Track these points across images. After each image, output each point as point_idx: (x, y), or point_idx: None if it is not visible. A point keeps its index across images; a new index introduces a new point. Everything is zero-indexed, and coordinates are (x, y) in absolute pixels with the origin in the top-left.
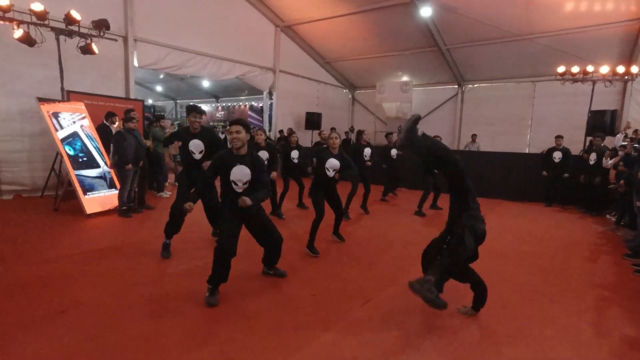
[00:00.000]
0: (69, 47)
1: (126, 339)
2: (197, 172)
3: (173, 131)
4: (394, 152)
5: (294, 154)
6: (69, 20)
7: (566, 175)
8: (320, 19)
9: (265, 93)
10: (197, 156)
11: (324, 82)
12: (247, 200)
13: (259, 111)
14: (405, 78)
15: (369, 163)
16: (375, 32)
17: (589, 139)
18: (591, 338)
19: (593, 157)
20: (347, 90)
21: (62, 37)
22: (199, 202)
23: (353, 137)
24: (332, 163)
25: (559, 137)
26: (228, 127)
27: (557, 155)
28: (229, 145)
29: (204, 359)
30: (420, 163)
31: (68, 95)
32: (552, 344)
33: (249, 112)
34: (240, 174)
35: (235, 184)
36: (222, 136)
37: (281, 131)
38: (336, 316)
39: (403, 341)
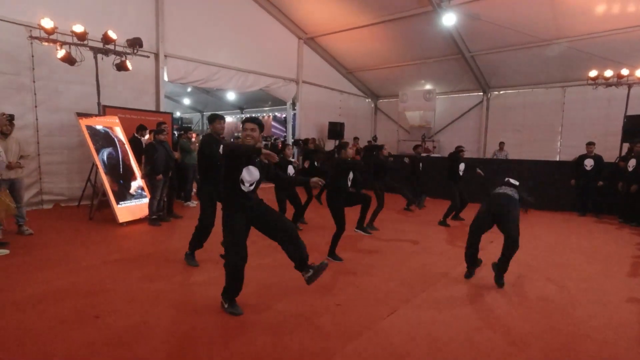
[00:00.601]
0: (105, 64)
1: (156, 345)
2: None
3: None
4: (420, 165)
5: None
6: (106, 39)
7: (600, 183)
8: (342, 30)
9: (288, 104)
10: None
11: (346, 92)
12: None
13: (283, 122)
14: (428, 86)
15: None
16: (398, 42)
17: (625, 145)
18: (630, 355)
19: (632, 163)
20: (369, 100)
21: (99, 56)
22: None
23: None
24: (351, 176)
25: (590, 144)
26: (242, 125)
27: (589, 163)
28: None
29: None
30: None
31: (104, 110)
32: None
33: (273, 123)
34: (250, 174)
35: (243, 183)
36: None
37: (305, 140)
38: (362, 326)
39: (432, 352)
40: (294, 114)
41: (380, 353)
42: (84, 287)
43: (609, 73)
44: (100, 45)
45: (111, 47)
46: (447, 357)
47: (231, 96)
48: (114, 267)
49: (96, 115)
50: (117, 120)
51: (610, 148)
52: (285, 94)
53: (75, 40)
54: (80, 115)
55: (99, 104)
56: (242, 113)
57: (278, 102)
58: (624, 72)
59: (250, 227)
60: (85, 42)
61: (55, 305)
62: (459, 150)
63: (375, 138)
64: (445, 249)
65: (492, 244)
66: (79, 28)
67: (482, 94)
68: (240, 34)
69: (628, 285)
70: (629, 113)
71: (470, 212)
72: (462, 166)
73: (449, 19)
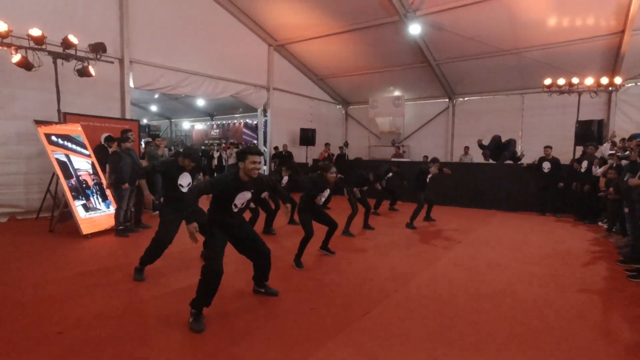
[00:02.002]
0: (66, 70)
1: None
2: (182, 205)
3: (162, 161)
4: (390, 174)
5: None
6: (66, 44)
7: (561, 184)
8: (312, 38)
9: (259, 110)
10: (185, 189)
11: (317, 99)
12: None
13: (254, 128)
14: (397, 93)
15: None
16: (367, 49)
17: (578, 148)
18: (588, 343)
19: (584, 164)
20: (340, 106)
21: (59, 61)
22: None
23: (347, 151)
24: (327, 193)
25: (547, 148)
26: (249, 156)
27: (547, 166)
28: (224, 164)
29: None
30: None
31: (64, 117)
32: (548, 350)
33: (244, 130)
34: (244, 197)
35: (236, 206)
36: (217, 154)
37: (276, 148)
38: (336, 328)
39: (404, 351)
40: (265, 121)
41: (354, 354)
42: (45, 302)
43: (561, 81)
44: (60, 50)
45: (72, 52)
46: (417, 355)
47: (201, 103)
48: (77, 281)
49: (56, 123)
50: (80, 128)
51: (566, 151)
52: (256, 100)
53: (32, 44)
54: (39, 122)
55: (59, 111)
56: (212, 120)
57: (249, 109)
58: (575, 80)
59: (227, 242)
60: (44, 46)
61: (13, 322)
62: (427, 163)
63: (346, 144)
64: (416, 250)
65: (460, 244)
66: (35, 32)
67: (448, 100)
68: (209, 40)
69: (582, 276)
70: (580, 119)
71: (438, 213)
72: (429, 176)
73: (414, 29)
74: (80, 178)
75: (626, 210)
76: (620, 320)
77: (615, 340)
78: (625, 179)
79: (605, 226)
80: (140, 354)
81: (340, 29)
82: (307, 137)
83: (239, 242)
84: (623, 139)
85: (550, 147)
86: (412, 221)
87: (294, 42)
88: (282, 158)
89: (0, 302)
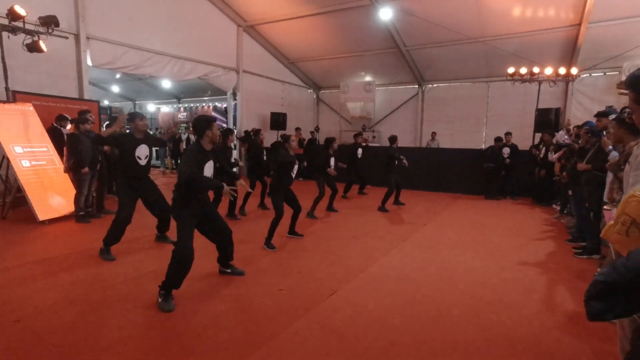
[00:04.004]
0: (14, 45)
1: (83, 346)
2: (139, 181)
3: (118, 134)
4: (359, 151)
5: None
6: (12, 15)
7: (489, 168)
8: (283, 20)
9: (229, 94)
10: (143, 162)
11: (288, 83)
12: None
13: (223, 112)
14: (368, 78)
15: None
16: (338, 33)
17: (537, 135)
18: (536, 313)
19: (543, 151)
20: (311, 90)
21: (5, 34)
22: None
23: (318, 136)
24: (296, 167)
25: (507, 134)
26: (214, 124)
27: (506, 151)
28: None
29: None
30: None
31: (14, 96)
32: (500, 320)
33: (213, 113)
34: (211, 168)
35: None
36: (185, 137)
37: (246, 131)
38: (304, 308)
39: (368, 326)
40: (235, 104)
41: (320, 332)
42: (2, 290)
43: (523, 70)
44: (6, 21)
45: (20, 24)
46: (383, 331)
47: (167, 84)
48: (34, 269)
49: (4, 102)
50: (32, 108)
51: (526, 138)
52: (225, 83)
53: None
54: None
55: (7, 89)
56: (179, 103)
57: (218, 92)
58: (535, 70)
59: (195, 223)
60: None
61: None
62: (392, 147)
63: (317, 128)
64: (383, 232)
65: (425, 226)
66: None
67: (417, 86)
68: (174, 17)
69: (534, 253)
70: (540, 107)
71: (406, 196)
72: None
73: (385, 14)
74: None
75: (570, 193)
76: (565, 293)
77: (559, 311)
78: (573, 164)
79: (559, 208)
80: (105, 337)
81: (311, 11)
82: (277, 122)
83: (204, 222)
84: (576, 127)
85: (511, 134)
86: (383, 204)
87: (264, 23)
88: (251, 141)
89: None
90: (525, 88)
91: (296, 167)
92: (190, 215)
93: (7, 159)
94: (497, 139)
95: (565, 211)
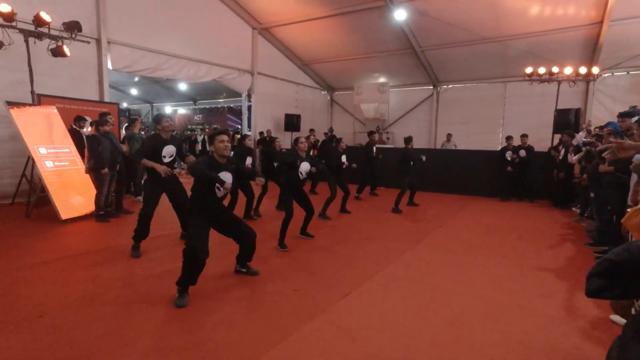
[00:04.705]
0: (39, 50)
1: (104, 342)
2: (163, 179)
3: (145, 138)
4: (374, 150)
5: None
6: (38, 22)
7: (509, 169)
8: (297, 22)
9: (243, 95)
10: (167, 160)
11: (302, 84)
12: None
13: (238, 113)
14: (382, 79)
15: (345, 164)
16: (352, 35)
17: (556, 136)
18: (555, 319)
19: (562, 152)
20: (325, 92)
21: (31, 39)
22: (167, 203)
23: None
24: (305, 167)
25: (524, 136)
26: (216, 137)
27: (522, 153)
28: (207, 148)
29: (185, 357)
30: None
31: (39, 99)
32: (518, 324)
33: (228, 115)
34: (227, 179)
35: (219, 189)
36: (200, 138)
37: (261, 133)
38: (317, 309)
39: (382, 329)
40: (250, 106)
41: (334, 332)
42: (26, 286)
43: (542, 70)
44: (32, 27)
45: (45, 30)
46: (397, 334)
47: (183, 87)
48: (57, 266)
49: (30, 105)
50: (55, 111)
51: (544, 139)
52: (239, 85)
53: (2, 21)
54: (11, 104)
55: (32, 92)
56: (195, 104)
57: (233, 94)
58: (555, 69)
59: (210, 227)
60: (14, 23)
61: None
62: (408, 141)
63: (331, 130)
64: (397, 234)
65: (440, 228)
66: (5, 7)
67: (432, 87)
68: (191, 21)
69: (552, 257)
70: (559, 107)
71: (420, 198)
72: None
73: (400, 14)
74: None
75: (592, 195)
76: (585, 298)
77: (579, 316)
78: (594, 166)
79: (578, 211)
80: (124, 333)
81: (325, 13)
82: (291, 123)
83: (223, 227)
84: (598, 127)
85: (527, 136)
86: (396, 205)
87: (278, 26)
88: (265, 143)
89: None
90: (543, 88)
91: (305, 165)
92: (202, 220)
93: (32, 159)
94: (508, 138)
95: (585, 214)
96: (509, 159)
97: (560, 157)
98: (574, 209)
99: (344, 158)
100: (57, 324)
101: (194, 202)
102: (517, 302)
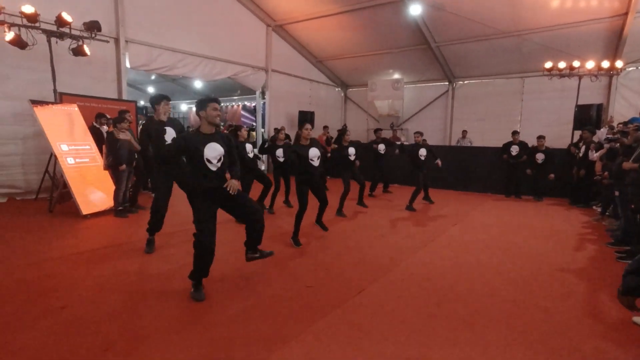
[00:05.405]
0: (60, 49)
1: (125, 333)
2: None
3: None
4: (381, 147)
5: (279, 152)
6: (60, 22)
7: (551, 176)
8: (311, 18)
9: (257, 93)
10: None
11: (316, 81)
12: (236, 185)
13: (252, 111)
14: (396, 76)
15: (357, 162)
16: (366, 31)
17: (576, 133)
18: (575, 320)
19: (582, 150)
20: (339, 89)
21: (53, 39)
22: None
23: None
24: (314, 152)
25: (540, 138)
26: (208, 104)
27: (540, 157)
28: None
29: (195, 353)
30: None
31: (60, 97)
32: (535, 325)
33: (242, 112)
34: (216, 150)
35: (210, 162)
36: None
37: (276, 129)
38: (330, 305)
39: (395, 325)
40: (264, 103)
41: (347, 330)
42: (48, 279)
43: (562, 65)
44: (54, 28)
45: (66, 30)
46: (411, 331)
47: (198, 84)
48: (79, 259)
49: (52, 103)
50: (76, 109)
51: (563, 136)
52: (254, 82)
53: (26, 22)
54: (35, 102)
55: (55, 90)
56: None
57: (247, 91)
58: (575, 64)
59: (217, 207)
60: (37, 24)
61: (18, 297)
62: (416, 136)
63: (344, 127)
64: (411, 231)
65: (455, 226)
66: (28, 9)
67: (447, 83)
68: (206, 19)
69: (572, 257)
70: (580, 103)
71: (434, 196)
72: (422, 151)
73: (415, 9)
74: None
75: (616, 193)
76: (606, 299)
77: (600, 318)
78: (618, 163)
79: (599, 210)
80: (141, 324)
81: (340, 9)
82: (305, 120)
83: (228, 205)
84: (622, 123)
85: (544, 138)
86: (411, 203)
87: (292, 23)
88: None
89: (5, 279)
90: (563, 83)
91: (314, 150)
92: (204, 203)
93: (55, 156)
94: (514, 132)
95: (607, 213)
96: (513, 153)
97: (581, 155)
98: (594, 207)
99: (352, 150)
100: (79, 314)
101: (190, 186)
102: (535, 302)
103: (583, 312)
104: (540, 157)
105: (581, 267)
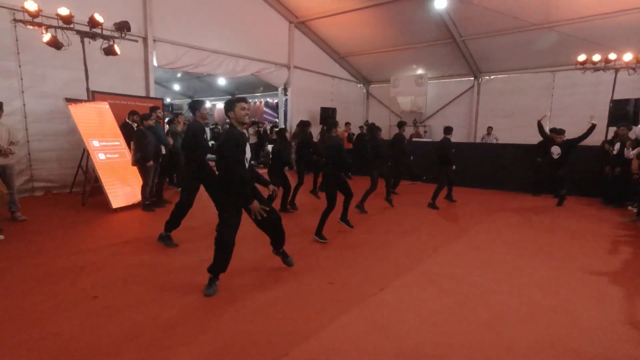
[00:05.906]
0: (92, 49)
1: (152, 324)
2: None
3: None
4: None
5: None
6: (92, 23)
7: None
8: (334, 14)
9: (280, 89)
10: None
11: (338, 77)
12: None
13: (274, 107)
14: (420, 71)
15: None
16: (389, 26)
17: (611, 129)
18: (606, 325)
19: (617, 147)
20: (361, 85)
21: (86, 40)
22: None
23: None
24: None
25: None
26: (237, 104)
27: (556, 151)
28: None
29: (218, 344)
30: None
31: (93, 96)
32: (564, 329)
33: (265, 109)
34: (248, 149)
35: (247, 160)
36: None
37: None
38: (351, 302)
39: (415, 324)
40: (286, 100)
41: (368, 327)
42: (80, 270)
43: (597, 57)
44: (86, 29)
45: (98, 30)
46: (431, 331)
47: (222, 82)
48: (109, 251)
49: (85, 101)
50: (107, 106)
51: (597, 132)
52: (276, 79)
53: (61, 23)
54: (69, 100)
55: (87, 89)
56: None
57: (270, 88)
58: (612, 56)
59: (242, 211)
60: (72, 25)
61: (55, 285)
62: (448, 131)
63: (367, 123)
64: (434, 230)
65: (478, 225)
66: (64, 11)
67: (473, 79)
68: (229, 17)
69: (604, 259)
70: (615, 97)
71: (459, 194)
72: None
73: (440, 3)
74: None
75: None
76: None
77: (634, 324)
78: None
79: (635, 210)
80: (165, 315)
81: (362, 5)
82: (327, 117)
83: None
84: None
85: (564, 132)
86: (434, 201)
87: (315, 19)
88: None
89: (45, 268)
90: (597, 77)
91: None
92: (232, 205)
93: (87, 151)
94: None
95: None
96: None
97: (615, 152)
98: (629, 207)
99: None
100: (109, 304)
101: (225, 188)
102: (563, 306)
103: (616, 317)
104: (555, 150)
105: (615, 270)
